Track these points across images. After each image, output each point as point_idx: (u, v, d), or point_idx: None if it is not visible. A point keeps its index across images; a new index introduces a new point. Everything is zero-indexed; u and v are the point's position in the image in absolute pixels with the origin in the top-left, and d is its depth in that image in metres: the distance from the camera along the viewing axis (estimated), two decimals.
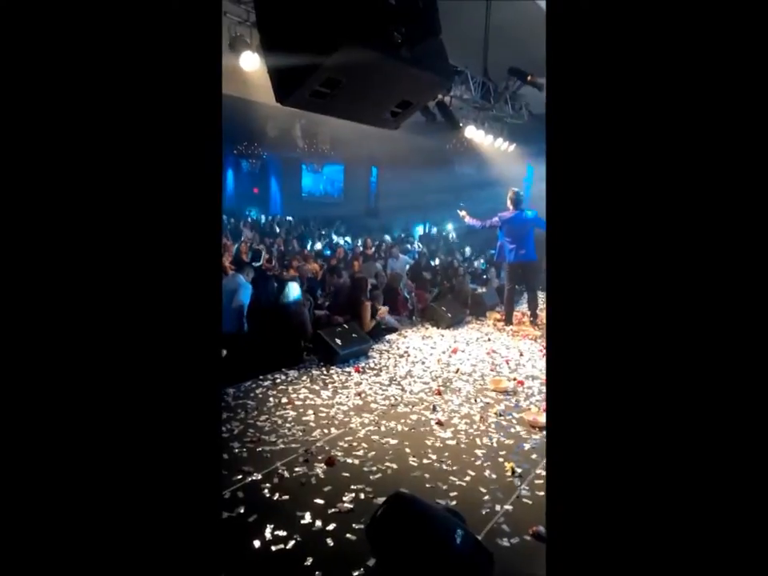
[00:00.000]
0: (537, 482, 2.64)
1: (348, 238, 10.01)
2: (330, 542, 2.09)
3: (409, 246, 9.79)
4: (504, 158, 8.89)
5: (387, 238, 9.55)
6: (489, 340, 5.60)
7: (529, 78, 6.35)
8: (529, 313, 6.38)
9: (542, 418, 3.37)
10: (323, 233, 9.75)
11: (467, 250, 10.25)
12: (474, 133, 7.15)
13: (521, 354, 5.03)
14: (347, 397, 3.78)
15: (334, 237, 10.12)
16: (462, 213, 6.53)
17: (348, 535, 2.14)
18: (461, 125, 6.83)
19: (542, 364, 4.73)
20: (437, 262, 8.84)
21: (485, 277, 8.09)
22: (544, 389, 4.07)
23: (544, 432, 3.24)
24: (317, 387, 3.97)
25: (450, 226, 12.58)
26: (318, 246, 8.98)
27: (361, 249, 8.63)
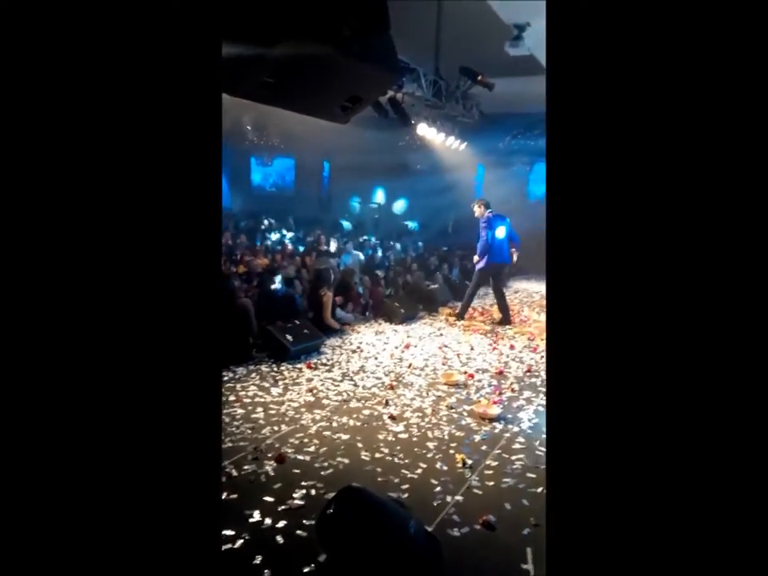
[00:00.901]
0: (486, 472, 2.70)
1: (292, 234, 9.64)
2: (279, 539, 2.06)
3: (361, 240, 9.75)
4: (456, 156, 9.04)
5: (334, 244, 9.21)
6: (441, 335, 5.68)
7: (479, 77, 6.47)
8: (500, 313, 6.29)
9: (492, 410, 3.45)
10: (268, 232, 9.37)
11: (420, 244, 10.31)
12: (426, 130, 7.22)
13: (471, 348, 5.13)
14: (298, 393, 3.73)
15: (284, 231, 9.90)
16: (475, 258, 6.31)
17: (299, 532, 2.10)
18: (413, 122, 6.88)
19: (491, 357, 4.85)
20: (390, 255, 8.85)
21: (437, 273, 8.20)
22: (494, 381, 4.19)
23: (493, 423, 3.33)
24: (266, 384, 3.89)
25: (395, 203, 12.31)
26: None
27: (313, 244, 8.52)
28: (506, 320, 6.22)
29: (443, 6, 5.44)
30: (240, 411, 3.36)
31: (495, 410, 3.46)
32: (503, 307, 6.29)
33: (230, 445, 2.87)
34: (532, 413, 3.55)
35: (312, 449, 2.87)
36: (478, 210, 6.15)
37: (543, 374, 4.40)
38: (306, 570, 1.89)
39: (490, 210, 6.11)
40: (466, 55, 6.48)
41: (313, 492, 2.42)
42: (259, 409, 3.41)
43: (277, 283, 5.18)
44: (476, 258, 6.21)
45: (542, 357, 4.92)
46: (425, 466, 2.74)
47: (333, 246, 8.33)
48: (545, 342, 4.91)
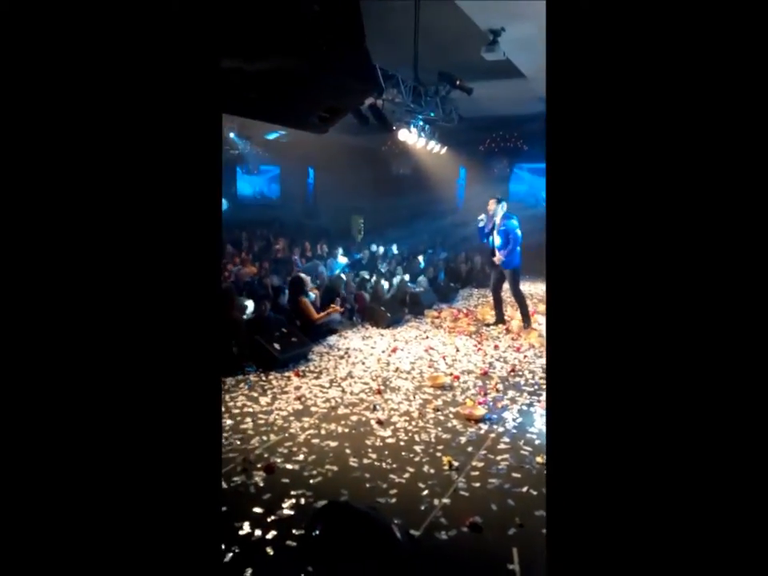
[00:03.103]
0: (473, 473, 2.75)
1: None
2: (269, 551, 2.09)
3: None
4: (437, 160, 9.12)
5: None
6: (427, 338, 5.73)
7: (458, 82, 6.56)
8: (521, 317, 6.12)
9: (477, 411, 3.51)
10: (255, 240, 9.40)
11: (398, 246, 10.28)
12: (407, 135, 7.28)
13: (457, 350, 5.19)
14: (287, 402, 3.76)
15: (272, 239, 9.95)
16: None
17: (288, 542, 2.13)
18: (393, 128, 6.93)
19: (476, 358, 4.91)
20: (377, 261, 8.91)
21: (422, 277, 8.25)
22: (479, 383, 4.25)
23: (479, 425, 3.39)
24: (255, 394, 3.91)
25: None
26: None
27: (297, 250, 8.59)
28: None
29: (420, 12, 5.51)
30: (229, 422, 3.37)
31: (480, 411, 3.52)
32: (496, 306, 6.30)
33: None
34: (516, 412, 3.61)
35: (301, 457, 2.90)
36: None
37: (527, 374, 4.47)
38: None
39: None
40: (443, 60, 6.57)
41: (302, 501, 2.45)
42: (248, 419, 3.43)
43: (248, 309, 5.16)
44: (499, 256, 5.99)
45: (525, 356, 4.99)
46: (412, 470, 2.78)
47: (339, 252, 8.48)
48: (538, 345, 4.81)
